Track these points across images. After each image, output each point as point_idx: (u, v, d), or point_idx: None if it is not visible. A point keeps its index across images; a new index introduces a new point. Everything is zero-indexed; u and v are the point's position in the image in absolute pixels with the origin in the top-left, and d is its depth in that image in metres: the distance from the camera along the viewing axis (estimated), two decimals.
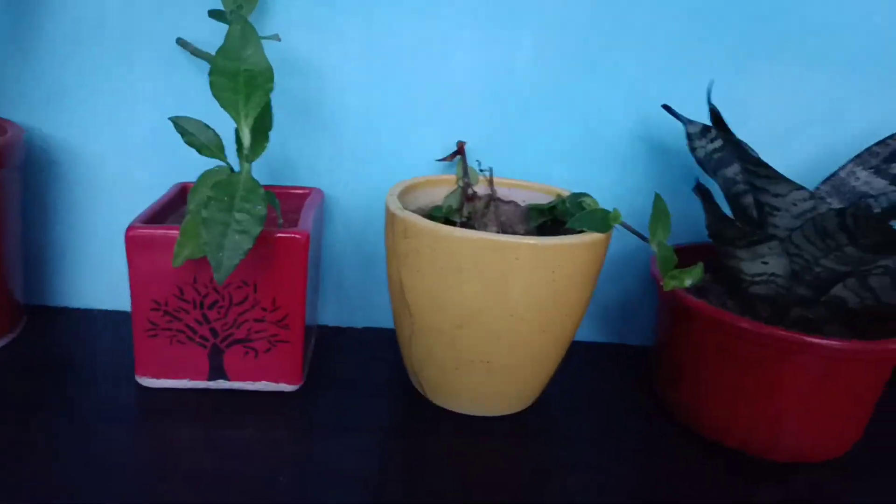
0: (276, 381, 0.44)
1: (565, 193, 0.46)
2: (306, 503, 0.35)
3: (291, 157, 0.51)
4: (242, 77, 0.39)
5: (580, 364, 0.52)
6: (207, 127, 0.41)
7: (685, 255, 0.47)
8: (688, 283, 0.38)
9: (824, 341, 0.38)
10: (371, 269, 0.53)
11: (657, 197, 0.39)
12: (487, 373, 0.41)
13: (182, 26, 0.48)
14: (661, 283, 0.41)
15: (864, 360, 0.39)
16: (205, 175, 0.41)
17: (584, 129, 0.51)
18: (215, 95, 0.39)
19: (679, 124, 0.48)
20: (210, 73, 0.39)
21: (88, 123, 0.50)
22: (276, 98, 0.49)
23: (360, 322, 0.54)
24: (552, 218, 0.48)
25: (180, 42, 0.47)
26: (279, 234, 0.41)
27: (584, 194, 0.45)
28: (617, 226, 0.40)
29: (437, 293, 0.39)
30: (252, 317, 0.42)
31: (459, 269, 0.38)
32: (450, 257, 0.38)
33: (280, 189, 0.50)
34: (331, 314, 0.55)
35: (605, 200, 0.51)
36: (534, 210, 0.49)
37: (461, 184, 0.49)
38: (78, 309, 0.54)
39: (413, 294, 0.40)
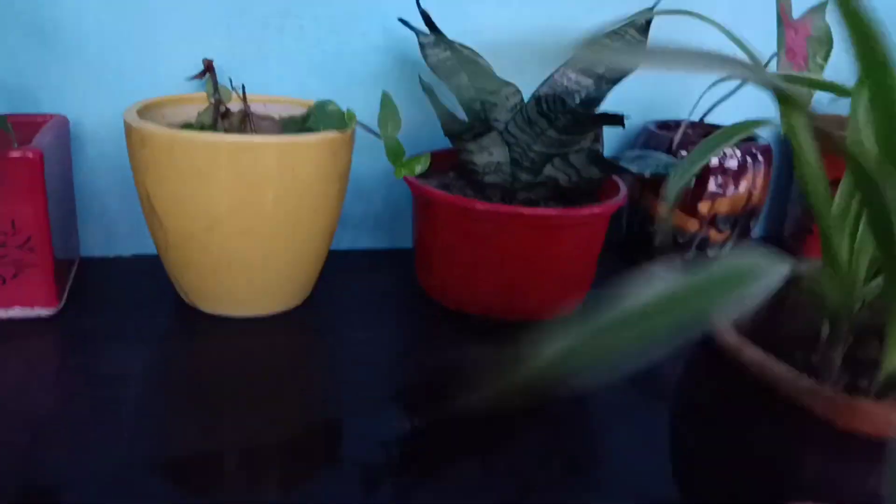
0: (31, 306, 0.43)
1: None
2: (61, 414, 0.36)
3: (33, 85, 0.49)
4: None
5: (352, 269, 0.56)
6: None
7: (438, 159, 0.52)
8: (417, 169, 0.43)
9: (538, 211, 0.45)
10: (134, 196, 0.53)
11: (385, 95, 0.43)
12: (245, 273, 0.44)
13: None
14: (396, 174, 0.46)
15: (573, 224, 0.46)
16: None
17: (334, 44, 0.53)
18: None
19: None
20: None
21: None
22: (6, 22, 0.47)
23: (128, 250, 0.54)
24: (308, 129, 0.50)
25: None
26: (9, 155, 0.40)
27: (329, 101, 0.47)
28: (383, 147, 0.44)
29: (182, 199, 0.41)
30: None
31: (200, 173, 0.40)
32: (189, 162, 0.39)
33: (17, 117, 0.47)
34: (97, 246, 0.54)
35: (359, 111, 0.54)
36: (289, 123, 0.51)
37: (212, 101, 0.49)
38: None
39: (160, 203, 0.42)
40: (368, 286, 0.53)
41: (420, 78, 0.44)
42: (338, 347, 0.44)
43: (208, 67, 0.50)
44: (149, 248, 0.54)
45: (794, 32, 0.48)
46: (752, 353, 0.25)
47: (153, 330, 0.44)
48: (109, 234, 0.54)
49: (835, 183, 0.26)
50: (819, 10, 0.50)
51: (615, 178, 0.52)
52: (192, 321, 0.45)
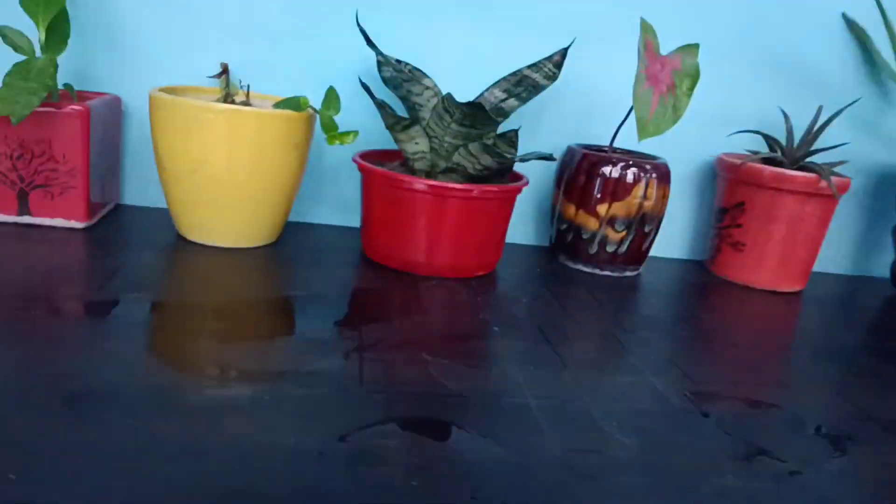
0: (69, 219, 0.60)
1: None
2: (84, 280, 0.52)
3: (101, 74, 0.68)
4: None
5: (315, 233, 0.71)
6: (22, 33, 0.58)
7: (391, 155, 0.67)
8: (348, 140, 0.58)
9: (443, 184, 0.59)
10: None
11: (330, 88, 0.59)
12: (219, 211, 0.60)
13: None
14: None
15: (474, 197, 0.60)
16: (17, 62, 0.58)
17: (322, 61, 0.70)
18: (20, 4, 0.56)
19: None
20: None
21: None
22: (82, 19, 0.66)
23: (156, 204, 0.72)
24: None
25: None
26: (68, 107, 0.58)
27: (300, 96, 0.64)
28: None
29: (178, 147, 0.58)
30: (48, 167, 0.59)
31: (189, 129, 0.56)
32: (184, 120, 0.56)
33: (84, 93, 0.67)
34: (133, 197, 0.72)
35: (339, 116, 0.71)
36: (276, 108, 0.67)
37: (224, 93, 0.67)
38: None
39: (163, 149, 0.59)
40: (324, 243, 0.68)
41: (359, 78, 0.59)
42: (292, 274, 0.59)
43: (224, 69, 0.68)
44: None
45: (661, 66, 0.61)
46: None
47: (153, 243, 0.60)
48: (143, 189, 0.72)
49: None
50: (689, 49, 0.63)
51: (519, 172, 0.65)
52: (182, 243, 0.61)
